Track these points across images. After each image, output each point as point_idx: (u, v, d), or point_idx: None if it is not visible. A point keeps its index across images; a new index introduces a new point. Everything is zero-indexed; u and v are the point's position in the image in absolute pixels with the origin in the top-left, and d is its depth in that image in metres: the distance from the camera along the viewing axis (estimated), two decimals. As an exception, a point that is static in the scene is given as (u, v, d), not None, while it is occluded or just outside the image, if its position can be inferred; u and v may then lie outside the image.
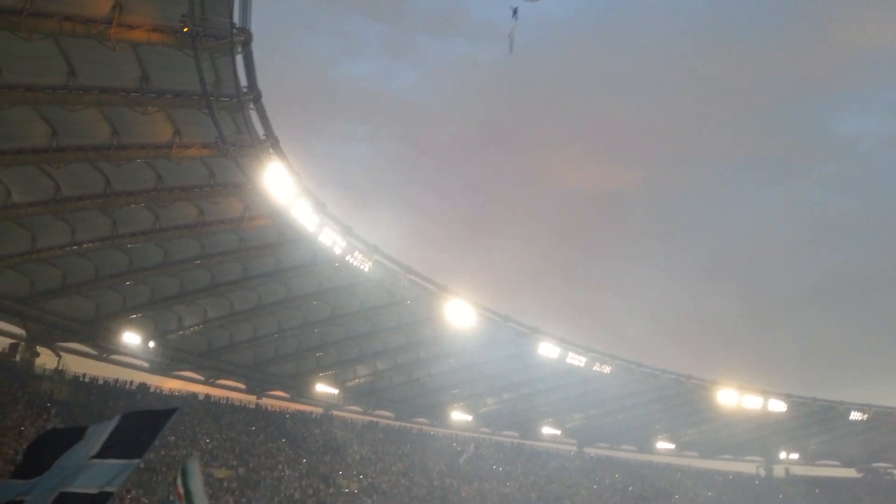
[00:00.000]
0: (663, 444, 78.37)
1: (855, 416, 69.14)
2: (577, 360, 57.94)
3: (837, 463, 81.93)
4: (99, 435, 7.88)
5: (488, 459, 66.49)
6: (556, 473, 68.94)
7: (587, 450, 76.34)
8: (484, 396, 66.38)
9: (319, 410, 60.30)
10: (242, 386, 55.04)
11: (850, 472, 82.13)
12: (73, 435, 7.89)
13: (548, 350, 55.97)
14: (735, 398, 66.12)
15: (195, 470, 4.96)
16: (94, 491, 7.61)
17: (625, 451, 78.63)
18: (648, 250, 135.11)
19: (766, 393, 67.85)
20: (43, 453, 7.82)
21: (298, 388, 56.85)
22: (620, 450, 78.33)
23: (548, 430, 73.26)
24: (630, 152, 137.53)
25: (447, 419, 66.79)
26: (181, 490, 4.93)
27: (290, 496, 45.69)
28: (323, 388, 57.30)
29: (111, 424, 7.93)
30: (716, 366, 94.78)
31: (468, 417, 67.53)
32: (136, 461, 7.94)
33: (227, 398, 54.90)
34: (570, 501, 64.46)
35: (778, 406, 68.13)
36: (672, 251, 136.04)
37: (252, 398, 56.36)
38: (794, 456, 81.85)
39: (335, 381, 57.82)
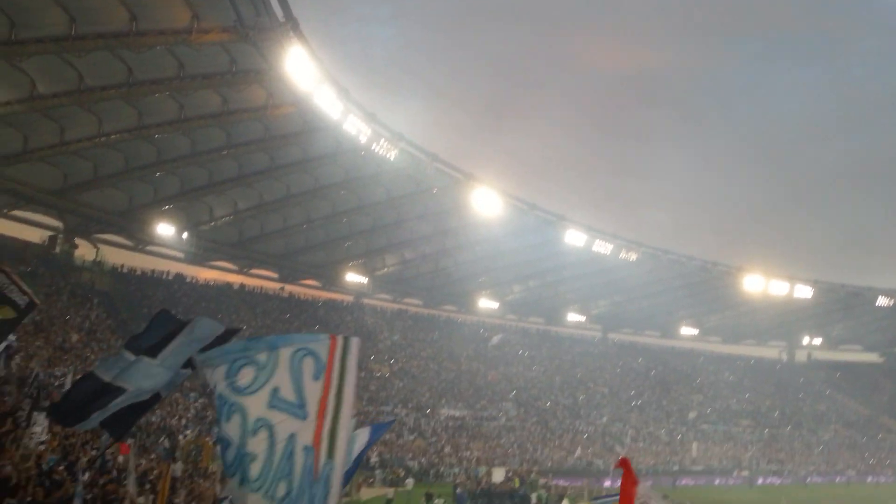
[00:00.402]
0: (687, 330, 79.72)
1: (881, 301, 69.28)
2: (603, 247, 58.18)
3: (860, 348, 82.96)
4: (200, 338, 7.66)
5: (514, 345, 68.47)
6: (580, 358, 70.95)
7: (611, 335, 78.04)
8: (510, 284, 67.43)
9: (350, 299, 62.02)
10: (275, 275, 56.53)
11: (872, 357, 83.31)
12: (181, 328, 7.70)
13: (574, 238, 56.18)
14: (761, 284, 66.42)
15: (357, 348, 4.78)
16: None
17: (648, 336, 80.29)
18: (676, 134, 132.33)
19: (793, 279, 68.01)
20: (153, 335, 7.81)
21: (329, 277, 58.26)
22: (644, 335, 80.00)
23: (573, 317, 74.72)
24: (662, 30, 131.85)
25: (474, 306, 68.30)
26: (337, 363, 4.62)
27: (324, 379, 47.75)
28: (353, 277, 58.65)
29: (214, 332, 7.65)
30: (743, 252, 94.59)
31: (495, 305, 68.98)
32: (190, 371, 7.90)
33: (261, 287, 56.62)
34: (594, 384, 66.65)
35: (804, 292, 68.42)
36: (701, 135, 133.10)
37: (285, 287, 58.05)
38: (817, 341, 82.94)
39: (364, 270, 59.03)
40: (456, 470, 43.33)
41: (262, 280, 56.72)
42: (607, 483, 46.31)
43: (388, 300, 65.15)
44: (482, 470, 42.43)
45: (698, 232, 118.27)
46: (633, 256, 60.26)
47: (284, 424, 4.78)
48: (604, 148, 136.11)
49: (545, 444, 52.68)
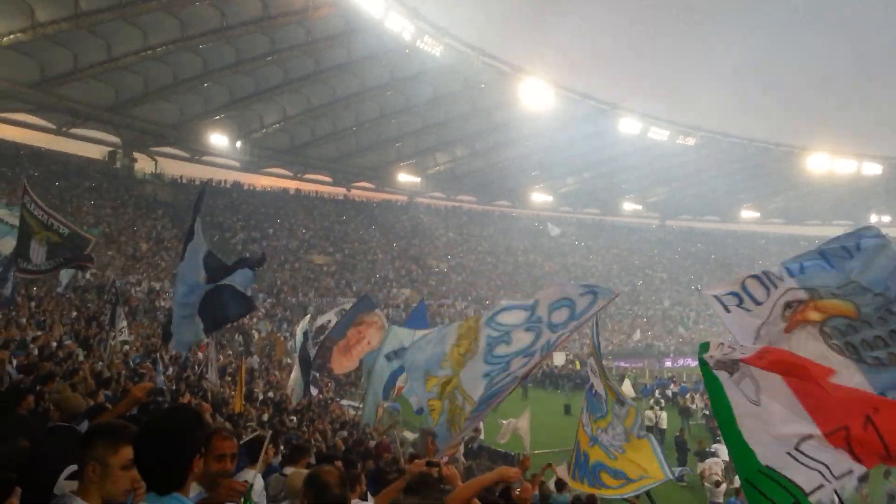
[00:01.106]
0: (748, 213, 77.89)
1: (958, 173, 65.82)
2: (658, 134, 56.64)
3: (932, 222, 79.65)
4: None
5: (570, 236, 68.48)
6: (637, 246, 70.58)
7: (669, 223, 77.00)
8: (564, 177, 66.69)
9: (404, 198, 62.67)
10: (329, 179, 57.42)
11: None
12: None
13: (628, 126, 54.77)
14: (826, 163, 63.94)
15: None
16: None
17: (708, 222, 78.82)
18: (734, 10, 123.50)
19: (860, 156, 65.14)
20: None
21: (382, 178, 58.80)
22: (703, 221, 78.55)
23: (629, 206, 73.87)
24: None
25: (528, 200, 68.18)
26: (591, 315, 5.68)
27: (385, 276, 49.26)
28: (405, 177, 59.05)
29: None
30: (806, 132, 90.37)
31: (549, 198, 68.68)
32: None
33: (317, 192, 57.68)
34: (652, 270, 66.57)
35: (873, 169, 65.60)
36: (760, 8, 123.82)
37: (340, 191, 59.01)
38: (886, 219, 79.88)
39: (416, 170, 59.29)
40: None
41: (318, 185, 57.72)
42: (668, 363, 47.18)
43: (442, 198, 65.59)
44: (544, 355, 43.66)
45: (760, 114, 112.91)
46: (690, 141, 58.56)
47: (521, 365, 5.65)
48: (657, 32, 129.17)
49: (604, 329, 53.48)
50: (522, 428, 16.62)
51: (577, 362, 39.46)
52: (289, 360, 26.08)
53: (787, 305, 4.89)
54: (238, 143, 46.61)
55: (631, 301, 59.49)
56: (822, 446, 4.91)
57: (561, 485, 10.87)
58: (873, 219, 79.21)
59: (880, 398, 5.04)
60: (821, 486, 4.82)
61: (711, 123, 62.64)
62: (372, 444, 13.60)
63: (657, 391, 31.52)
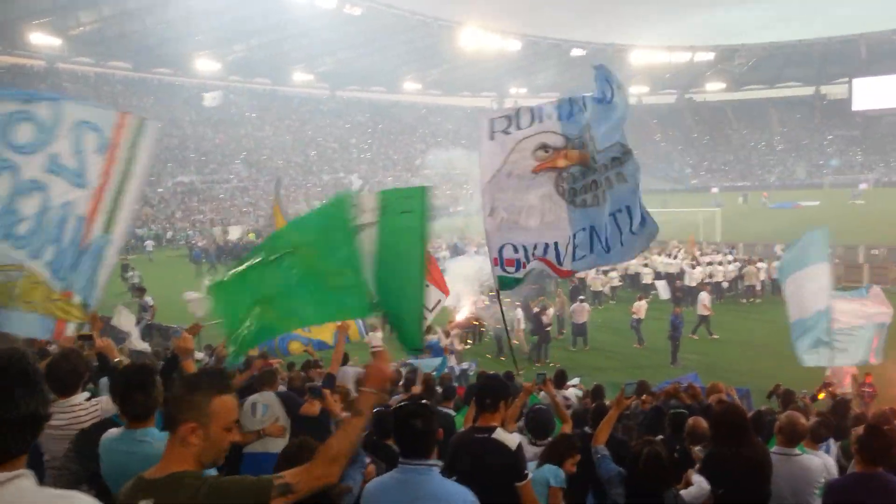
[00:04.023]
0: (411, 85, 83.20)
1: (576, 52, 77.79)
2: (326, 2, 56.63)
3: (558, 94, 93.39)
4: None
5: (241, 107, 66.55)
6: (309, 116, 71.55)
7: (339, 93, 78.86)
8: (231, 43, 63.57)
9: (42, 63, 54.36)
10: (-66, 37, 47.24)
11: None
12: None
13: (295, -10, 53.77)
14: (477, 38, 70.51)
15: (153, 132, 4.33)
16: None
17: (375, 92, 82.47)
18: None
19: (505, 33, 72.97)
20: None
21: (9, 38, 50.10)
22: (371, 91, 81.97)
23: (300, 76, 73.72)
24: None
25: (193, 68, 64.00)
26: (126, 142, 4.30)
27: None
28: (41, 38, 51.08)
29: None
30: (463, 8, 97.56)
31: (216, 66, 65.23)
32: None
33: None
34: (325, 140, 68.40)
35: (514, 45, 74.09)
36: None
37: None
38: (523, 90, 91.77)
39: (55, 30, 51.53)
40: (190, 233, 43.62)
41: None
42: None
43: (90, 64, 58.34)
44: (217, 230, 43.29)
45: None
46: (357, 11, 59.68)
47: (60, 190, 4.70)
48: None
49: (282, 200, 54.42)
50: (195, 299, 16.97)
51: (253, 234, 40.06)
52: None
53: (544, 147, 5.45)
54: None
55: (304, 172, 60.96)
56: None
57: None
58: (513, 91, 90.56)
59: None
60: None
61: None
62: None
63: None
